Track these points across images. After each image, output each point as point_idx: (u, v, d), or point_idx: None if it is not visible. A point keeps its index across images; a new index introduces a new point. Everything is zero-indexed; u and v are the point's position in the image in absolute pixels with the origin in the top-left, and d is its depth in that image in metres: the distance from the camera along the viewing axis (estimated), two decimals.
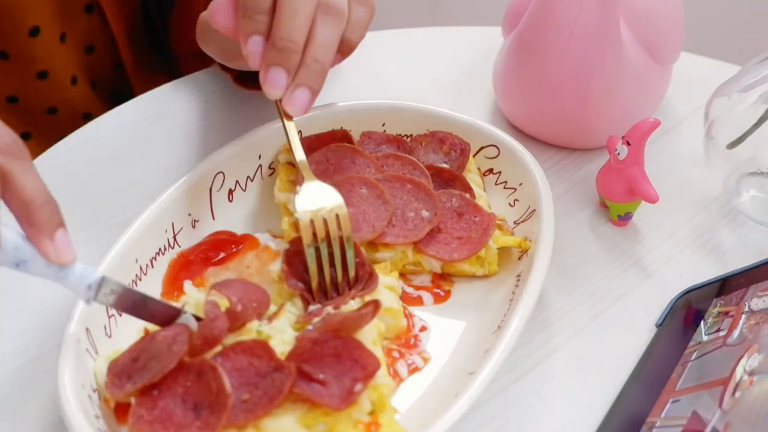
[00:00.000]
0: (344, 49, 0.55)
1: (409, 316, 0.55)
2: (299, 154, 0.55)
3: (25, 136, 0.80)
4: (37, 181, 0.44)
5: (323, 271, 0.52)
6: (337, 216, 0.52)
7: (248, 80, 0.64)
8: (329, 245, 0.52)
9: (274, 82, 0.52)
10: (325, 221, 0.52)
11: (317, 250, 0.52)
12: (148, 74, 0.86)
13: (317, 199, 0.53)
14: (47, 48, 0.76)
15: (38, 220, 0.44)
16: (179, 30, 0.83)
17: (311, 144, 0.61)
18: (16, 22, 0.73)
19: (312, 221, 0.52)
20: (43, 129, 0.79)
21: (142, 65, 0.86)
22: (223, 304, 0.49)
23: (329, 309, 0.50)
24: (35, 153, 0.67)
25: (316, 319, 0.49)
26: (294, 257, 0.53)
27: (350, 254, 0.52)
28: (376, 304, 0.49)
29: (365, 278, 0.52)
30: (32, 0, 0.72)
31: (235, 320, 0.48)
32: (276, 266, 0.53)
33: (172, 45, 0.85)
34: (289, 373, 0.45)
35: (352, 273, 0.52)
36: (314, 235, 0.52)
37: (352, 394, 0.45)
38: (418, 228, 0.56)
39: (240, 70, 0.66)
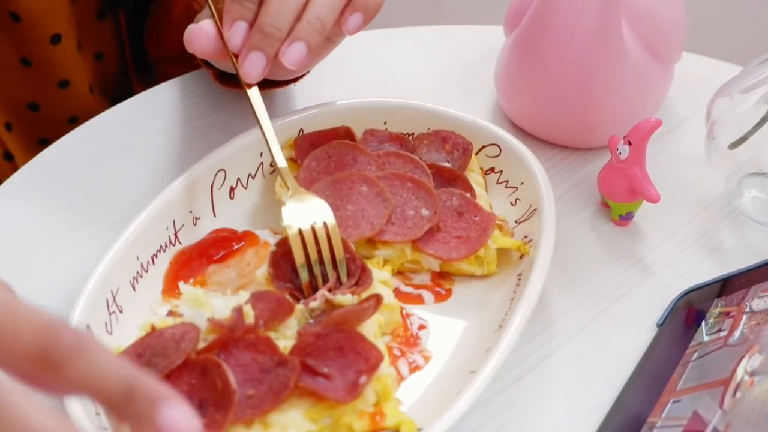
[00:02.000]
0: (364, 7, 0.54)
1: (405, 316, 0.55)
2: (280, 161, 0.55)
3: (43, 142, 0.80)
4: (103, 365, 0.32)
5: (313, 270, 0.52)
6: (325, 224, 0.52)
7: (229, 79, 0.65)
8: (318, 250, 0.52)
9: (253, 65, 0.53)
10: (313, 229, 0.52)
11: (306, 250, 0.52)
12: (149, 82, 0.86)
13: (304, 213, 0.53)
14: (67, 56, 0.76)
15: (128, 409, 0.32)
16: (155, 35, 0.83)
17: (313, 140, 0.61)
18: (38, 29, 0.73)
19: (300, 230, 0.52)
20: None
21: (143, 72, 0.86)
22: (248, 314, 0.48)
23: (325, 293, 0.50)
24: None
25: (313, 303, 0.50)
26: (280, 259, 0.53)
27: (340, 254, 0.52)
28: (377, 298, 0.49)
29: (357, 272, 0.52)
30: (52, 6, 0.72)
31: (248, 332, 0.48)
32: (263, 270, 0.53)
33: (147, 50, 0.85)
34: (294, 367, 0.46)
35: (343, 272, 0.52)
36: (303, 242, 0.52)
37: (357, 386, 0.45)
38: (418, 226, 0.56)
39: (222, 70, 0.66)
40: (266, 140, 0.55)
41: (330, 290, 0.51)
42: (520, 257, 0.57)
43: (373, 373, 0.46)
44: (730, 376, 0.46)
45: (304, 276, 0.52)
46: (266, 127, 0.55)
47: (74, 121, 0.80)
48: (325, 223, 0.52)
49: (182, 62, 0.73)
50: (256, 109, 0.55)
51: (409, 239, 0.56)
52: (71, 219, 0.62)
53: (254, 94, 0.55)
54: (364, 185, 0.58)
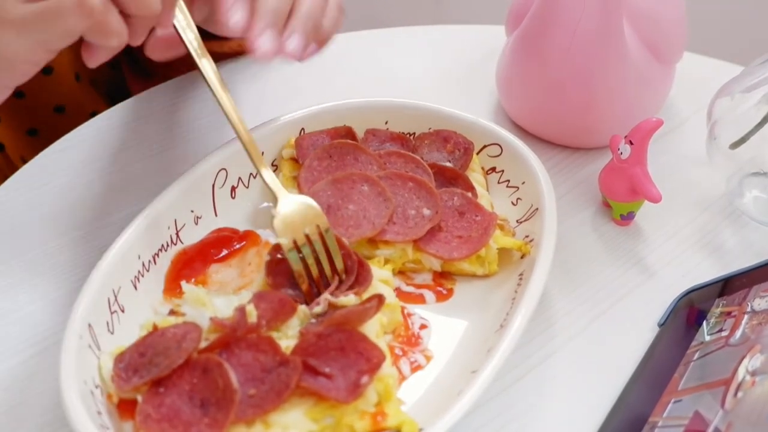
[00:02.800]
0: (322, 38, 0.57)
1: (407, 316, 0.55)
2: (267, 175, 0.54)
3: (31, 133, 0.80)
4: None
5: (311, 275, 0.52)
6: (318, 226, 0.52)
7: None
8: (313, 250, 0.52)
9: (266, 43, 0.53)
10: (307, 236, 0.52)
11: (302, 257, 0.52)
12: (142, 76, 0.86)
13: (295, 219, 0.53)
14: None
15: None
16: None
17: (315, 140, 0.61)
18: None
19: (294, 241, 0.52)
20: (51, 128, 0.80)
21: (134, 64, 0.86)
22: (251, 314, 0.48)
23: (328, 296, 0.50)
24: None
25: (317, 308, 0.50)
26: (276, 266, 0.53)
27: (337, 259, 0.52)
28: (380, 298, 0.49)
29: (354, 268, 0.52)
30: None
31: (250, 332, 0.48)
32: (260, 280, 0.53)
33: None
34: (295, 367, 0.46)
35: (339, 265, 0.52)
36: (296, 246, 0.52)
37: (358, 386, 0.45)
38: (419, 226, 0.56)
39: None
40: (228, 118, 0.55)
41: (332, 293, 0.51)
42: (522, 257, 0.57)
43: (374, 374, 0.46)
44: (731, 376, 0.46)
45: (304, 285, 0.52)
46: (226, 105, 0.54)
47: (61, 111, 0.79)
48: (318, 227, 0.52)
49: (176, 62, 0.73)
50: (212, 86, 0.54)
51: (410, 239, 0.56)
52: (71, 219, 0.62)
53: (207, 66, 0.54)
54: (365, 185, 0.58)
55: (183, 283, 0.54)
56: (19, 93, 0.78)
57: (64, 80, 0.79)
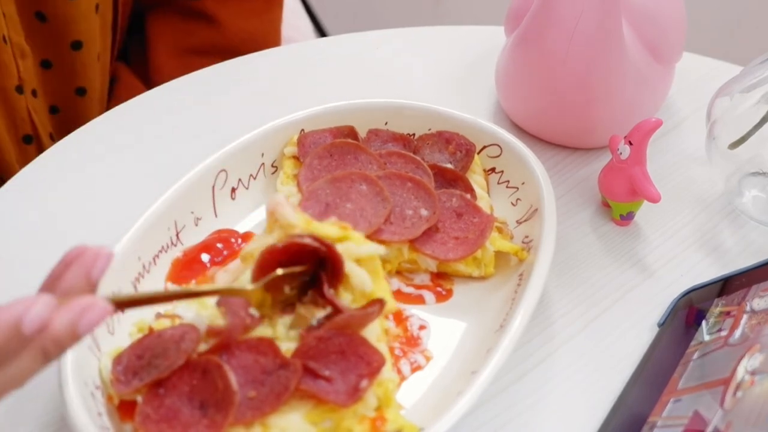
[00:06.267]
0: None
1: (404, 319, 0.55)
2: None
3: (53, 110, 0.81)
4: None
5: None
6: None
7: None
8: None
9: None
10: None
11: None
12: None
13: None
14: (83, 15, 0.75)
15: None
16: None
17: (316, 139, 0.61)
18: None
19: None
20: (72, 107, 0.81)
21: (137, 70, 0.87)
22: (216, 318, 0.48)
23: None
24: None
25: (320, 314, 0.49)
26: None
27: None
28: (381, 303, 0.49)
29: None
30: None
31: (246, 331, 0.48)
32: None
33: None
34: (295, 370, 0.46)
35: None
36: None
37: (358, 390, 0.45)
38: (416, 226, 0.56)
39: None
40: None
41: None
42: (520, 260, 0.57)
43: (374, 377, 0.46)
44: (730, 375, 0.46)
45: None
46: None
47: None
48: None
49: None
50: None
51: (406, 239, 0.56)
52: (72, 219, 0.62)
53: None
54: (363, 184, 0.58)
55: (168, 285, 0.53)
56: (46, 63, 0.78)
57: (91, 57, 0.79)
